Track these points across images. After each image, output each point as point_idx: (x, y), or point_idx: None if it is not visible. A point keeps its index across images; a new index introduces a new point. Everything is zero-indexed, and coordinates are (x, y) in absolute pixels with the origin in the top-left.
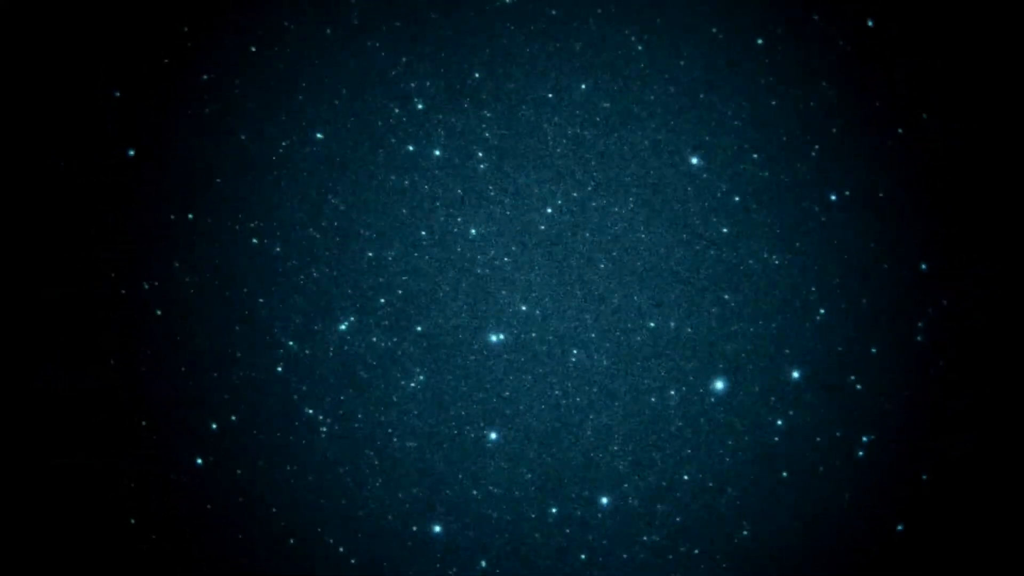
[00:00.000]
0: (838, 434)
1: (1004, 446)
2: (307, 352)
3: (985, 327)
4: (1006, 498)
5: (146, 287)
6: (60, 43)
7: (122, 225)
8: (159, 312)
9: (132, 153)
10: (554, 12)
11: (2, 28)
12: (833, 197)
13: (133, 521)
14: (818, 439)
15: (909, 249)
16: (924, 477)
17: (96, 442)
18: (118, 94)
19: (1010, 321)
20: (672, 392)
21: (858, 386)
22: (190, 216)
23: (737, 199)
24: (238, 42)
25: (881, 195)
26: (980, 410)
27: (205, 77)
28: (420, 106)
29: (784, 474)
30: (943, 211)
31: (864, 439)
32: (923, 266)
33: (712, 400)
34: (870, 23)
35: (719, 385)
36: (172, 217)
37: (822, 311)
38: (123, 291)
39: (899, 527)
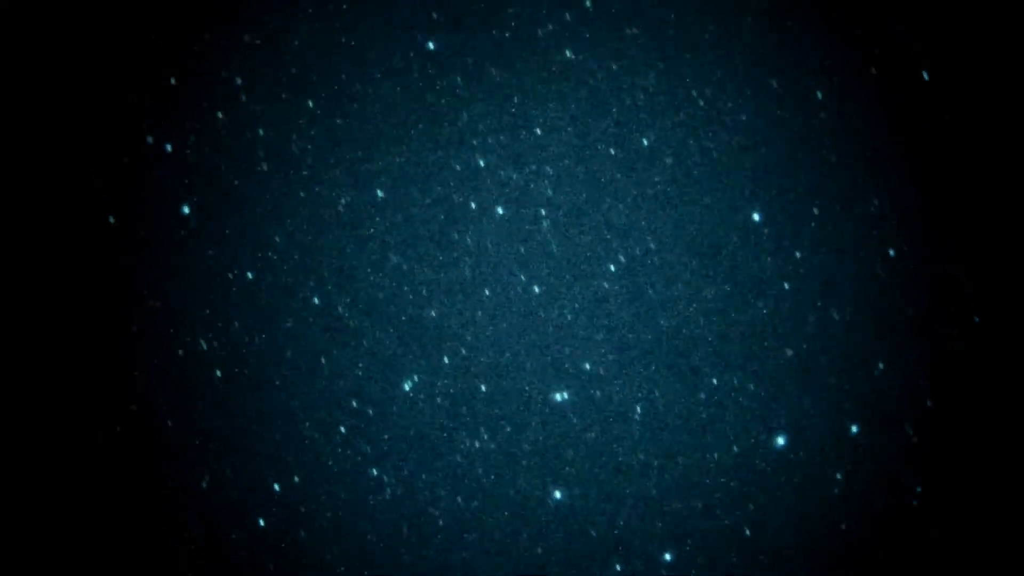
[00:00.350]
0: (895, 487)
1: None
2: (370, 412)
3: None
4: None
5: (205, 348)
6: (111, 96)
7: (180, 284)
8: (219, 373)
9: (186, 210)
10: (615, 67)
11: (54, 84)
12: (891, 252)
13: None
14: (876, 492)
15: (965, 305)
16: (980, 527)
17: (157, 503)
18: (169, 148)
19: None
20: (734, 449)
21: (914, 439)
22: (250, 275)
23: (798, 255)
24: (295, 97)
25: (939, 251)
26: None
27: (261, 132)
28: (482, 163)
29: (843, 527)
30: (1001, 267)
31: (919, 490)
32: (976, 319)
33: (773, 456)
34: (926, 76)
35: (780, 441)
36: (230, 276)
37: (880, 365)
38: (181, 351)
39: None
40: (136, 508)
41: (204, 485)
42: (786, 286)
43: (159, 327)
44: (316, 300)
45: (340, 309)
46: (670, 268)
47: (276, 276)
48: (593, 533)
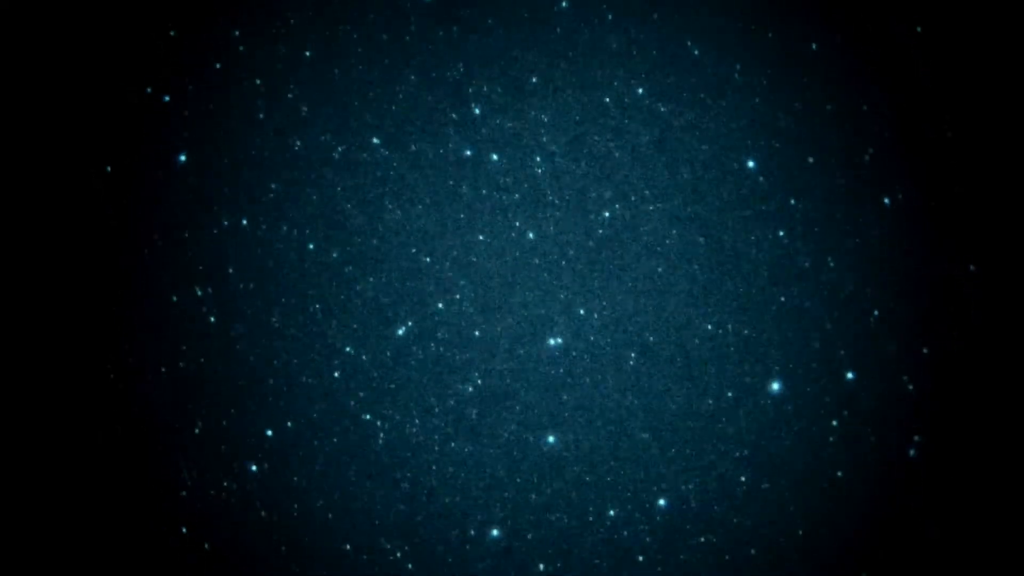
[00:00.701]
0: (891, 434)
1: None
2: (364, 358)
3: None
4: None
5: (199, 294)
6: (110, 47)
7: (176, 231)
8: (213, 319)
9: (183, 159)
10: (611, 17)
11: (54, 34)
12: (887, 200)
13: (185, 529)
14: (872, 439)
15: (961, 251)
16: (975, 479)
17: (149, 448)
18: (167, 99)
19: None
20: (729, 394)
21: (910, 387)
22: (244, 222)
23: (793, 202)
24: (292, 47)
25: (933, 198)
26: None
27: (258, 82)
28: (477, 111)
29: (839, 474)
30: (995, 214)
31: (916, 439)
32: (971, 267)
33: (768, 402)
34: (919, 29)
35: (775, 386)
36: (226, 223)
37: (876, 312)
38: (175, 297)
39: (950, 527)
40: (128, 454)
41: (196, 431)
42: (780, 233)
43: (154, 273)
44: (311, 246)
45: (335, 255)
46: (664, 215)
47: (271, 223)
48: (587, 478)
